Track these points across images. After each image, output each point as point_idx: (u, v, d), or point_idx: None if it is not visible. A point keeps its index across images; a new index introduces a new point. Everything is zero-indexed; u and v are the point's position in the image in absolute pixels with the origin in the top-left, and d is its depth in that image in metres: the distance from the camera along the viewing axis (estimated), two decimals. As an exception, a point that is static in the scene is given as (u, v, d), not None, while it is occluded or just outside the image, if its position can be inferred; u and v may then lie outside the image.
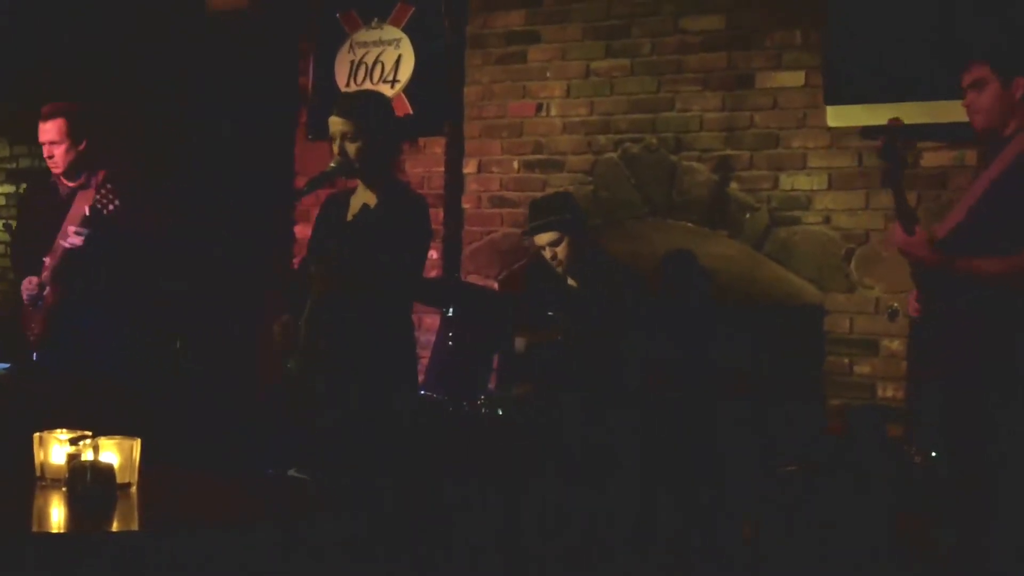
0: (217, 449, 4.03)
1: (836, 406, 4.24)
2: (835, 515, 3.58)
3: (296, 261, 5.05)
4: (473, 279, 5.01)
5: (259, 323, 4.38)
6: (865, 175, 4.29)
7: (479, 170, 5.09)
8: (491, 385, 4.38)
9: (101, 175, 4.32)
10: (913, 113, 3.32)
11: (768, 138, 4.47)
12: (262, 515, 2.67)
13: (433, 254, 4.67)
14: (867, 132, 4.11)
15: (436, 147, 5.12)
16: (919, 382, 3.62)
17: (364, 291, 3.30)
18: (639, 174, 4.72)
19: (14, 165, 6.37)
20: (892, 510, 3.52)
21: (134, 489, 2.71)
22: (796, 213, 4.41)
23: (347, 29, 5.33)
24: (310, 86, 5.42)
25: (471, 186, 5.10)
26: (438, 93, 5.09)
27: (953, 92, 3.40)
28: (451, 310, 4.25)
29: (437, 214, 4.90)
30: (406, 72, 5.14)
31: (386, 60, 5.20)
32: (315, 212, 3.68)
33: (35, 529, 2.51)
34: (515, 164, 5.00)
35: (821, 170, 4.37)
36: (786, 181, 4.43)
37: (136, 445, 2.74)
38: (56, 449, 2.73)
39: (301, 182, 4.88)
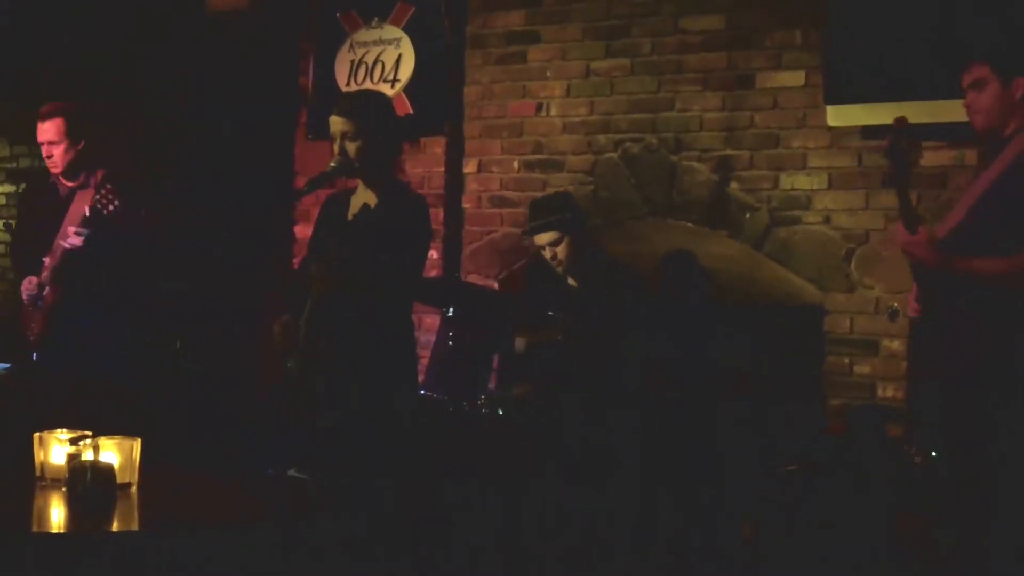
0: (217, 449, 4.03)
1: (836, 406, 4.24)
2: (835, 515, 3.58)
3: (296, 261, 5.05)
4: (473, 279, 5.01)
5: (259, 323, 4.38)
6: (865, 175, 4.29)
7: (479, 170, 5.09)
8: (491, 385, 4.38)
9: (100, 175, 4.32)
10: (913, 113, 3.31)
11: (768, 138, 4.47)
12: (262, 515, 2.67)
13: (433, 254, 4.67)
14: (873, 132, 4.11)
15: (436, 147, 5.12)
16: (919, 382, 3.62)
17: (364, 291, 3.30)
18: (639, 174, 4.72)
19: (14, 165, 6.37)
20: (892, 510, 3.52)
21: (134, 489, 2.71)
22: (796, 213, 4.41)
23: (347, 29, 5.33)
24: (310, 86, 5.42)
25: (471, 186, 5.10)
26: (438, 93, 5.09)
27: (953, 92, 3.40)
28: (451, 310, 4.25)
29: (437, 214, 4.90)
30: (406, 72, 5.14)
31: (386, 60, 5.20)
32: (315, 212, 3.68)
33: (35, 529, 2.51)
34: (515, 164, 5.00)
35: (821, 170, 4.37)
36: (786, 181, 4.43)
37: (136, 445, 2.74)
38: (56, 449, 2.73)
39: (301, 182, 4.88)
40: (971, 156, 4.01)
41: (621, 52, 4.75)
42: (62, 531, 2.54)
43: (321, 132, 4.97)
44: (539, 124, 4.94)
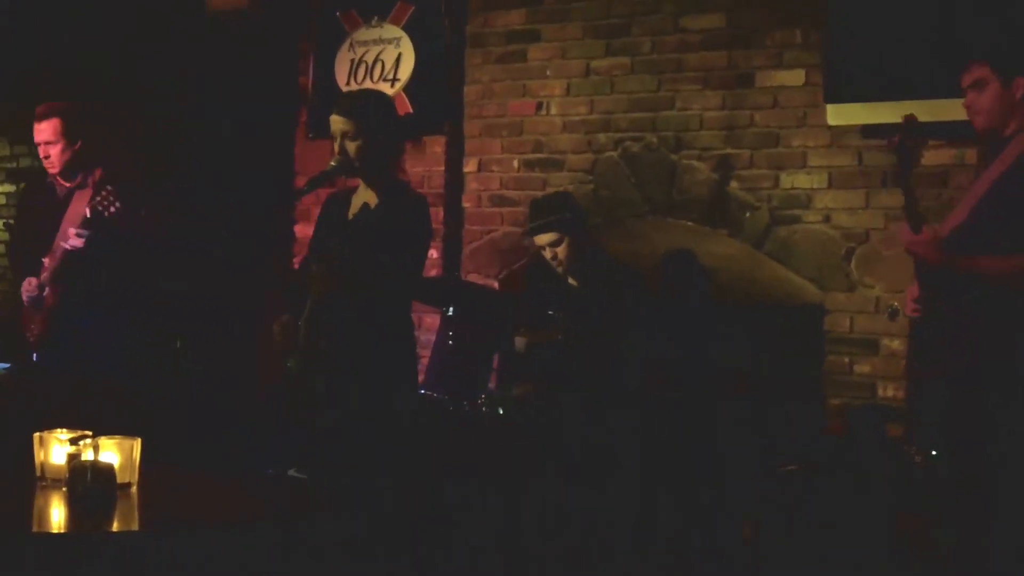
0: (217, 449, 4.03)
1: (836, 406, 4.24)
2: (835, 515, 3.58)
3: (296, 261, 5.05)
4: (473, 278, 5.01)
5: (259, 323, 4.38)
6: (865, 174, 4.29)
7: (479, 169, 5.08)
8: (491, 385, 4.38)
9: (98, 174, 4.32)
10: (913, 111, 3.31)
11: (768, 137, 4.47)
12: (262, 515, 2.67)
13: (433, 253, 4.67)
14: (873, 131, 4.11)
15: (436, 146, 5.12)
16: (919, 381, 3.62)
17: (364, 291, 3.30)
18: (639, 173, 4.71)
19: (14, 165, 6.36)
20: (892, 510, 3.52)
21: (134, 489, 2.71)
22: (796, 212, 4.41)
23: (347, 28, 5.33)
24: (310, 85, 5.42)
25: (471, 185, 5.10)
26: (438, 92, 5.09)
27: (953, 91, 3.40)
28: (451, 309, 4.25)
29: (437, 213, 4.90)
30: (406, 71, 5.14)
31: (386, 59, 5.20)
32: (316, 211, 3.68)
33: (35, 529, 2.51)
34: (515, 163, 5.00)
35: (821, 169, 4.37)
36: (786, 180, 4.43)
37: (136, 445, 2.74)
38: (56, 449, 2.73)
39: (301, 181, 4.88)
40: (971, 155, 4.01)
41: (621, 51, 4.75)
42: (62, 531, 2.54)
43: (321, 131, 4.98)
44: (539, 123, 4.94)
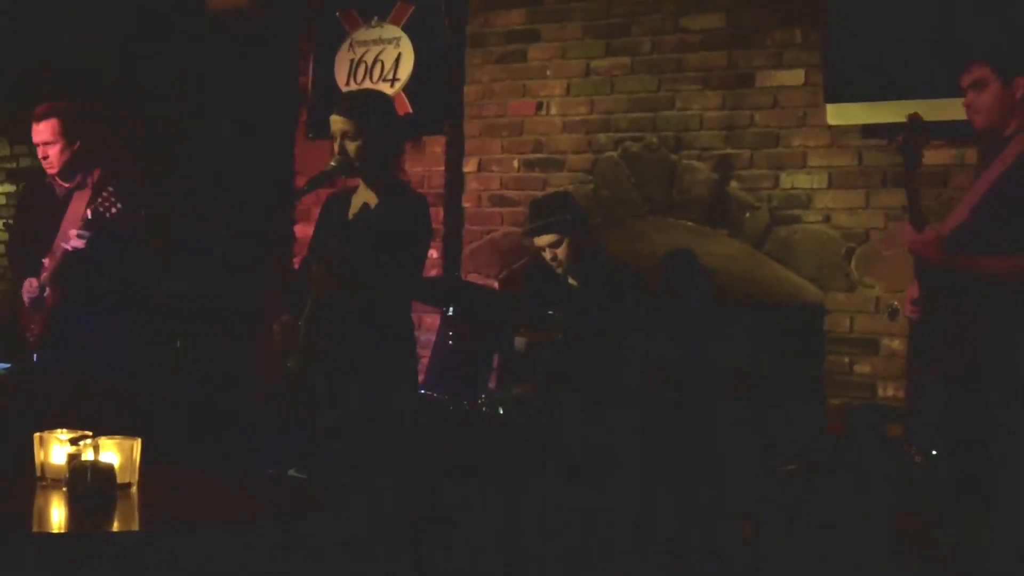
0: (217, 449, 4.03)
1: (836, 405, 4.24)
2: (835, 515, 3.58)
3: (296, 261, 5.05)
4: (473, 278, 5.01)
5: (259, 323, 4.38)
6: (865, 174, 4.29)
7: (479, 169, 5.08)
8: (491, 385, 4.38)
9: (97, 175, 4.32)
10: (913, 111, 3.32)
11: (768, 137, 4.47)
12: (262, 515, 2.67)
13: (433, 253, 4.67)
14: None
15: (436, 146, 5.12)
16: (919, 381, 3.62)
17: (364, 291, 3.29)
18: (639, 173, 4.71)
19: (14, 165, 6.37)
20: (892, 510, 3.52)
21: (134, 489, 2.71)
22: (796, 212, 4.41)
23: (347, 28, 5.33)
24: (310, 85, 5.42)
25: (471, 185, 5.10)
26: (438, 92, 5.09)
27: (953, 90, 3.40)
28: (451, 309, 4.25)
29: (437, 213, 4.90)
30: (406, 71, 5.14)
31: (386, 59, 5.20)
32: (316, 211, 3.68)
33: (35, 529, 2.51)
34: (515, 163, 5.00)
35: (821, 169, 4.37)
36: (786, 180, 4.43)
37: (136, 445, 2.73)
38: (56, 449, 2.73)
39: (301, 181, 4.88)
40: (971, 155, 4.01)
41: (621, 51, 4.75)
42: (62, 531, 2.53)
43: (321, 131, 4.98)
44: (539, 123, 4.94)
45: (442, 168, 5.10)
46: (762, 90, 4.47)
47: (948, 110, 3.59)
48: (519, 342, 4.05)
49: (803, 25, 4.38)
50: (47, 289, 4.28)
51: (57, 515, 2.61)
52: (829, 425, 4.19)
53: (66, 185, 4.36)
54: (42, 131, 4.29)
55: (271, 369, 4.10)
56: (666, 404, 3.99)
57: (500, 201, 5.03)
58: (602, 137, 4.78)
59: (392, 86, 5.14)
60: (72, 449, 2.69)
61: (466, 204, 5.11)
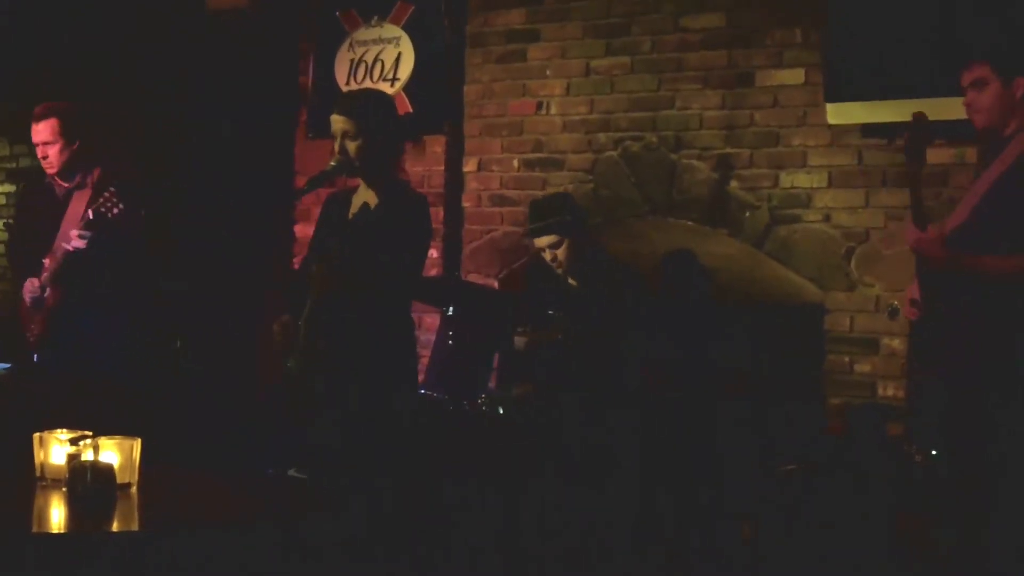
0: (217, 449, 4.03)
1: (836, 405, 4.24)
2: (835, 515, 3.57)
3: (296, 261, 5.05)
4: (473, 278, 5.01)
5: (259, 323, 4.38)
6: (865, 173, 4.29)
7: (479, 169, 5.08)
8: (491, 384, 4.38)
9: (97, 174, 4.32)
10: (913, 111, 3.32)
11: (768, 136, 4.47)
12: (262, 515, 2.67)
13: (433, 253, 4.67)
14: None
15: (436, 146, 5.12)
16: (919, 381, 3.62)
17: (364, 290, 3.29)
18: (639, 172, 4.71)
19: (14, 164, 6.37)
20: (892, 510, 3.52)
21: (134, 489, 2.71)
22: (796, 211, 4.41)
23: (347, 27, 5.33)
24: (310, 84, 5.42)
25: (471, 185, 5.10)
26: (438, 92, 5.09)
27: (953, 90, 3.40)
28: (451, 309, 4.25)
29: (437, 213, 4.90)
30: (406, 70, 5.14)
31: (386, 58, 5.20)
32: (316, 211, 3.68)
33: (35, 529, 2.50)
34: (515, 163, 5.00)
35: (821, 168, 4.37)
36: (786, 179, 4.43)
37: (136, 445, 2.73)
38: (56, 449, 2.73)
39: (301, 181, 4.88)
40: (971, 154, 4.01)
41: (621, 50, 4.75)
42: (62, 531, 2.53)
43: (321, 131, 4.98)
44: (539, 123, 4.94)
45: (442, 168, 5.10)
46: (762, 89, 4.47)
47: (948, 109, 3.59)
48: (519, 342, 4.05)
49: (803, 24, 4.38)
50: (47, 289, 4.28)
51: (57, 515, 2.61)
52: (829, 425, 4.19)
53: (66, 185, 4.36)
54: (41, 131, 4.30)
55: (271, 369, 4.10)
56: (666, 404, 3.99)
57: (500, 201, 5.03)
58: (602, 137, 4.78)
59: (392, 86, 5.14)
60: (72, 449, 2.69)
61: (466, 204, 5.11)
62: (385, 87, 5.10)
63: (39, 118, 4.30)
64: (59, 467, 2.70)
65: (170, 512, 2.64)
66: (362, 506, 2.98)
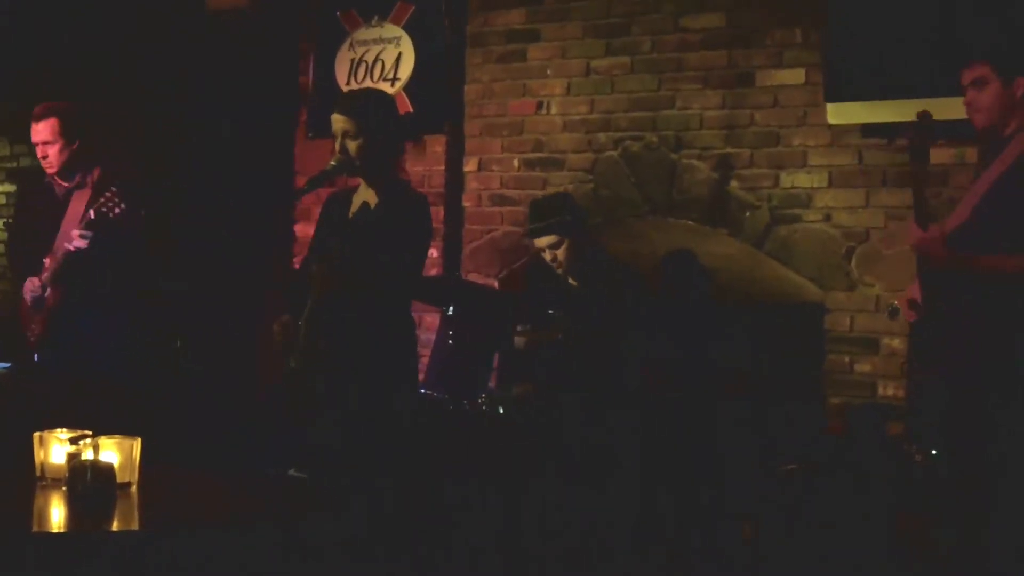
0: (217, 449, 4.03)
1: (836, 405, 4.24)
2: (835, 515, 3.57)
3: (297, 261, 5.05)
4: (473, 278, 5.01)
5: (259, 323, 4.38)
6: (865, 173, 4.29)
7: (479, 168, 5.09)
8: (491, 384, 4.38)
9: (97, 174, 4.32)
10: (913, 111, 3.32)
11: (768, 136, 4.47)
12: (262, 515, 2.67)
13: (433, 252, 4.67)
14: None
15: (437, 145, 5.13)
16: (919, 381, 3.62)
17: (364, 290, 3.29)
18: (639, 172, 4.71)
19: (14, 164, 6.37)
20: (892, 510, 3.52)
21: (134, 488, 2.71)
22: (796, 211, 4.41)
23: (347, 27, 5.33)
24: (310, 84, 5.42)
25: (471, 184, 5.10)
26: (438, 91, 5.09)
27: (953, 90, 3.40)
28: (451, 309, 4.25)
29: (437, 212, 4.90)
30: (406, 70, 5.14)
31: (386, 58, 5.20)
32: (316, 211, 3.68)
33: (35, 529, 2.51)
34: (515, 162, 5.00)
35: (821, 168, 4.37)
36: (786, 179, 4.43)
37: (136, 444, 2.73)
38: (56, 448, 2.73)
39: (301, 181, 4.88)
40: (971, 154, 4.01)
41: (621, 50, 4.75)
42: (62, 531, 2.53)
43: (321, 131, 4.98)
44: (539, 122, 4.94)
45: (442, 167, 5.10)
46: (762, 89, 4.47)
47: (948, 109, 3.59)
48: (519, 341, 4.05)
49: (803, 24, 4.38)
50: (48, 289, 4.28)
51: (57, 515, 2.61)
52: (829, 425, 4.19)
53: (65, 185, 4.36)
54: (41, 131, 4.30)
55: (271, 369, 4.10)
56: (666, 404, 3.99)
57: (500, 200, 5.02)
58: (602, 136, 4.78)
59: (393, 85, 5.14)
60: (72, 448, 2.69)
61: (466, 203, 5.11)
62: (385, 87, 5.10)
63: (39, 118, 4.30)
64: (59, 466, 2.70)
65: (170, 512, 2.64)
66: (362, 506, 2.98)
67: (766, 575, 3.69)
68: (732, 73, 4.52)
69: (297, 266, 4.41)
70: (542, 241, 4.05)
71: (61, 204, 4.35)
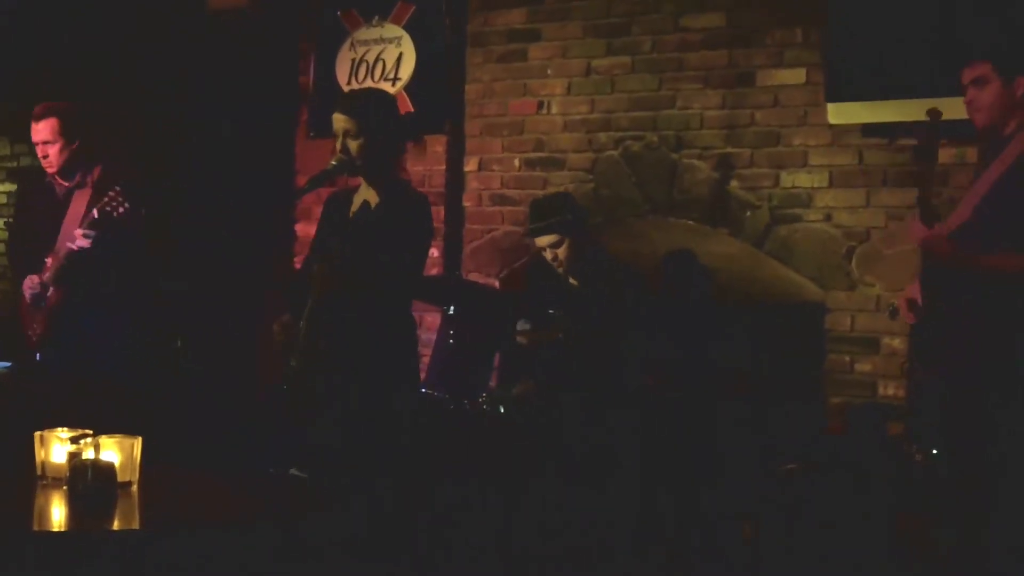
0: (217, 449, 4.03)
1: (837, 404, 4.24)
2: (835, 515, 3.57)
3: (297, 260, 5.05)
4: (474, 277, 5.01)
5: (259, 323, 4.38)
6: (866, 173, 4.29)
7: (480, 168, 5.09)
8: (492, 384, 4.38)
9: (97, 173, 4.32)
10: (913, 110, 3.33)
11: (769, 136, 4.47)
12: (262, 515, 2.67)
13: (434, 252, 4.67)
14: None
15: (437, 145, 5.13)
16: (920, 380, 3.62)
17: (365, 290, 3.29)
18: (640, 172, 4.71)
19: (15, 164, 6.37)
20: (892, 510, 3.52)
21: (135, 488, 2.72)
22: (797, 211, 4.41)
23: (348, 27, 5.33)
24: (311, 84, 5.42)
25: (472, 184, 5.10)
26: (439, 91, 5.09)
27: (953, 90, 3.40)
28: (452, 308, 4.25)
29: (438, 212, 4.90)
30: (407, 70, 5.14)
31: (387, 58, 5.20)
32: (317, 210, 3.68)
33: (36, 528, 2.51)
34: (516, 162, 5.00)
35: (822, 168, 4.37)
36: (787, 179, 4.43)
37: (137, 444, 2.74)
38: (57, 448, 2.73)
39: (302, 181, 4.88)
40: (972, 154, 4.01)
41: (622, 50, 4.75)
42: (63, 530, 2.54)
43: (322, 130, 4.98)
44: (540, 122, 4.94)
45: (443, 167, 5.11)
46: (763, 89, 4.47)
47: (948, 109, 3.58)
48: (520, 337, 4.04)
49: (803, 24, 4.38)
50: (49, 288, 4.28)
51: (58, 514, 2.61)
52: (829, 424, 4.19)
53: (66, 184, 4.37)
54: (41, 130, 4.30)
55: (271, 369, 4.10)
56: (666, 404, 3.99)
57: (501, 200, 5.03)
58: (603, 136, 4.78)
59: (393, 85, 5.14)
60: (73, 448, 2.70)
61: (467, 203, 5.11)
62: (386, 87, 5.10)
63: (39, 117, 4.30)
64: (60, 466, 2.70)
65: (170, 511, 2.64)
66: (362, 506, 2.98)
67: (766, 575, 3.69)
68: (732, 73, 4.53)
69: (298, 266, 4.41)
70: (543, 240, 4.05)
71: (62, 204, 4.35)
